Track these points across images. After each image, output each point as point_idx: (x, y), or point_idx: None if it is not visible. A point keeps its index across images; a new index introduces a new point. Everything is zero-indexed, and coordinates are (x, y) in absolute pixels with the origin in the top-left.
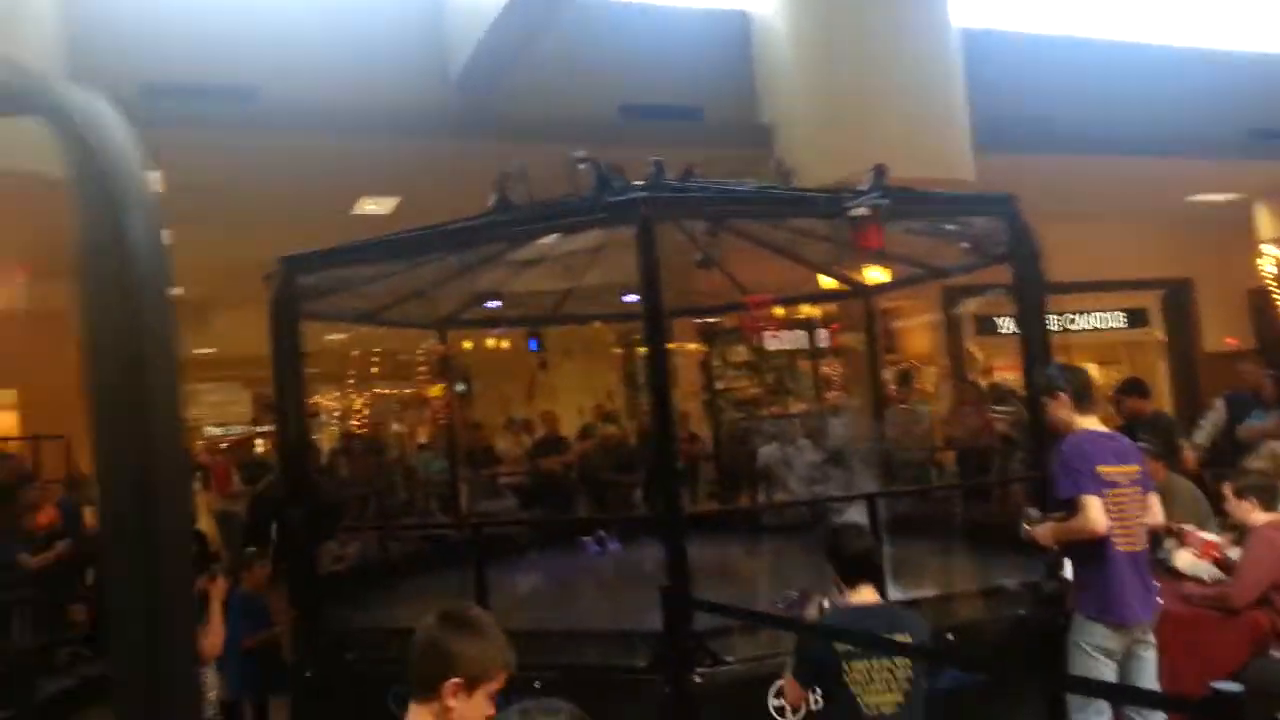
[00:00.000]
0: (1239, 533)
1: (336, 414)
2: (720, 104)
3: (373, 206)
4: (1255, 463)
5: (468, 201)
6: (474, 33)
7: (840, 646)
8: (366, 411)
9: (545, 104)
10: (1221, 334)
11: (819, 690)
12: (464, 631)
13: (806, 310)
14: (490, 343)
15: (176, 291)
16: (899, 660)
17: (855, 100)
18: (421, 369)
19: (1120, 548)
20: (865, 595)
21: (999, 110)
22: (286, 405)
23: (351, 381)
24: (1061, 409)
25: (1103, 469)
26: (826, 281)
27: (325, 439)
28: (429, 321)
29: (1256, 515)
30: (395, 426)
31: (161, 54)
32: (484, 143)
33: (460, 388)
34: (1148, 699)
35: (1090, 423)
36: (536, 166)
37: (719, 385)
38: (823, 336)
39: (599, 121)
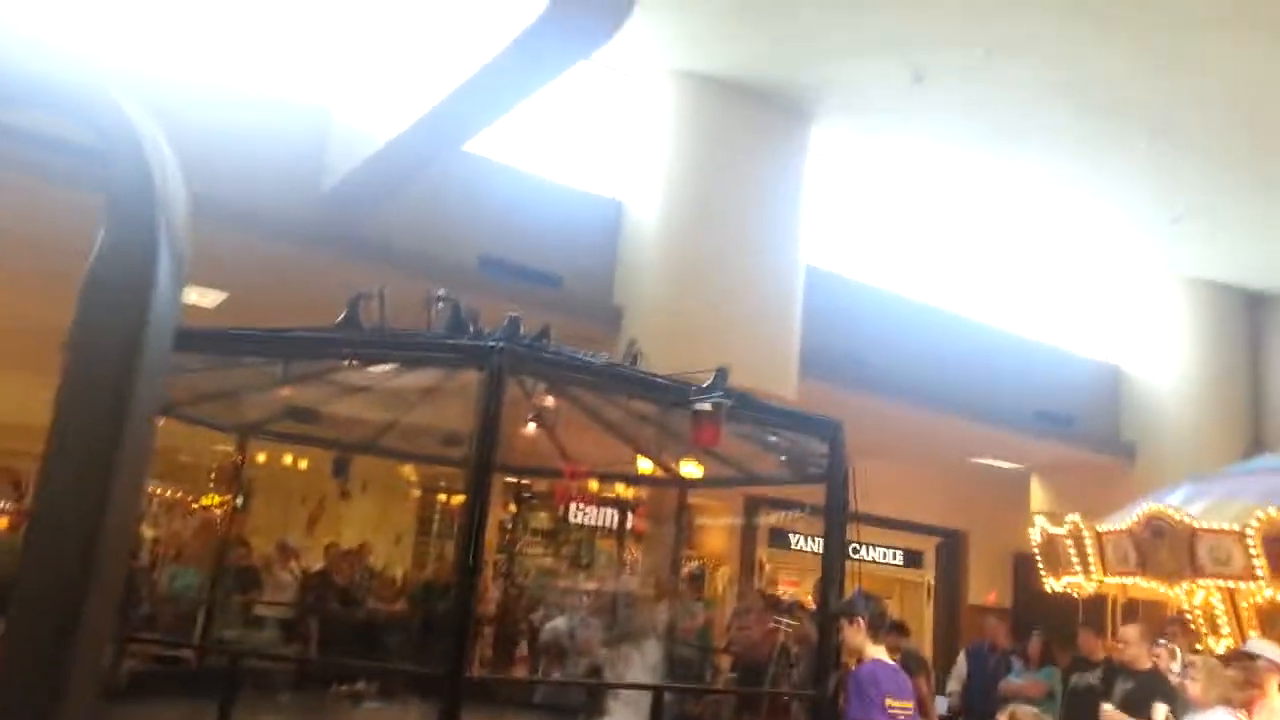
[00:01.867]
0: None
1: None
2: (579, 276)
3: (195, 296)
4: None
5: (296, 311)
6: (353, 158)
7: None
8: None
9: (408, 237)
10: (985, 588)
11: None
12: None
13: (619, 490)
14: (288, 459)
15: None
16: None
17: (704, 303)
18: (206, 474)
19: None
20: (880, 651)
21: (823, 342)
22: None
23: None
24: (857, 634)
25: (890, 702)
26: (643, 465)
27: None
28: (231, 425)
29: None
30: (150, 531)
31: None
32: (336, 259)
33: (238, 501)
34: None
35: (880, 652)
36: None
37: (515, 548)
38: (627, 519)
39: (458, 266)
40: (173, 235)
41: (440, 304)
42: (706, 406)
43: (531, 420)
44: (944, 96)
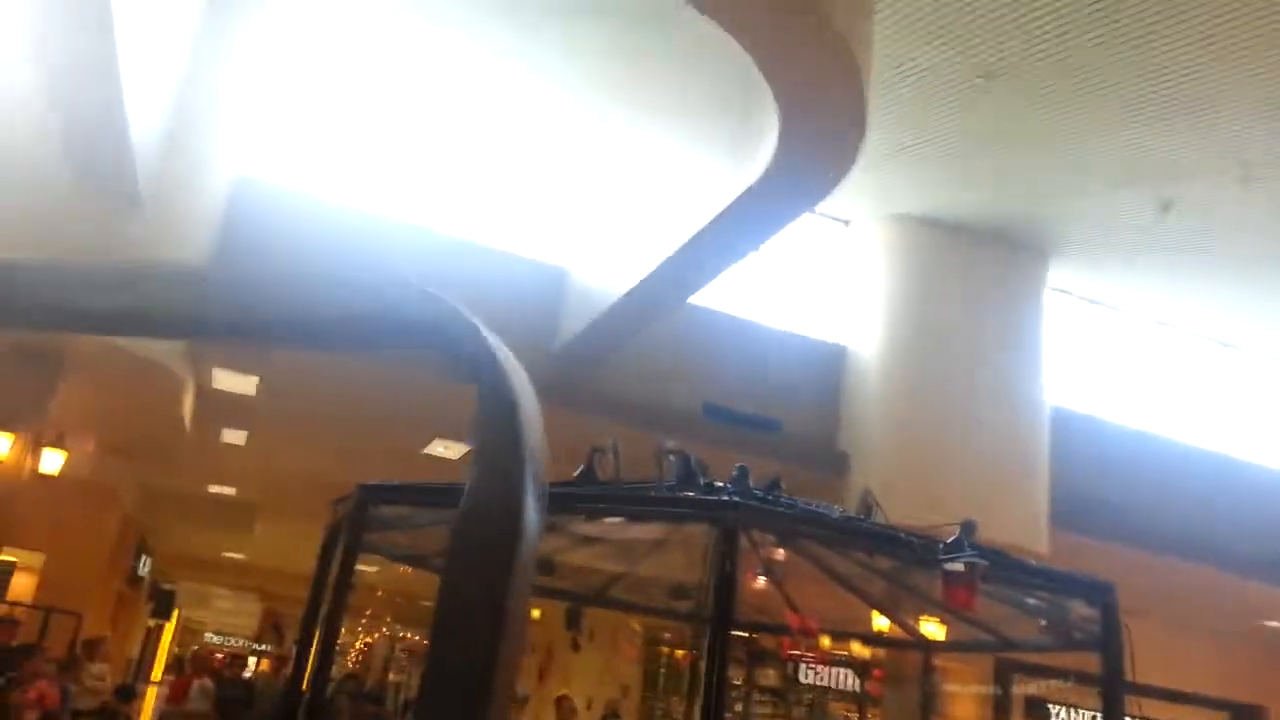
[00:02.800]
0: None
1: (344, 650)
2: (802, 421)
3: (442, 449)
4: None
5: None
6: (587, 314)
7: None
8: (369, 650)
9: (635, 387)
10: None
11: None
12: None
13: (854, 649)
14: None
15: (229, 491)
16: None
17: (937, 447)
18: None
19: None
20: None
21: (1076, 490)
22: (326, 642)
23: (365, 618)
24: None
25: None
26: (879, 622)
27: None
28: None
29: None
30: (390, 674)
31: None
32: (566, 411)
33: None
34: None
35: None
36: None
37: (738, 708)
38: (863, 681)
39: (683, 414)
40: (535, 464)
41: (671, 456)
42: (959, 566)
43: (761, 575)
44: (1194, 224)
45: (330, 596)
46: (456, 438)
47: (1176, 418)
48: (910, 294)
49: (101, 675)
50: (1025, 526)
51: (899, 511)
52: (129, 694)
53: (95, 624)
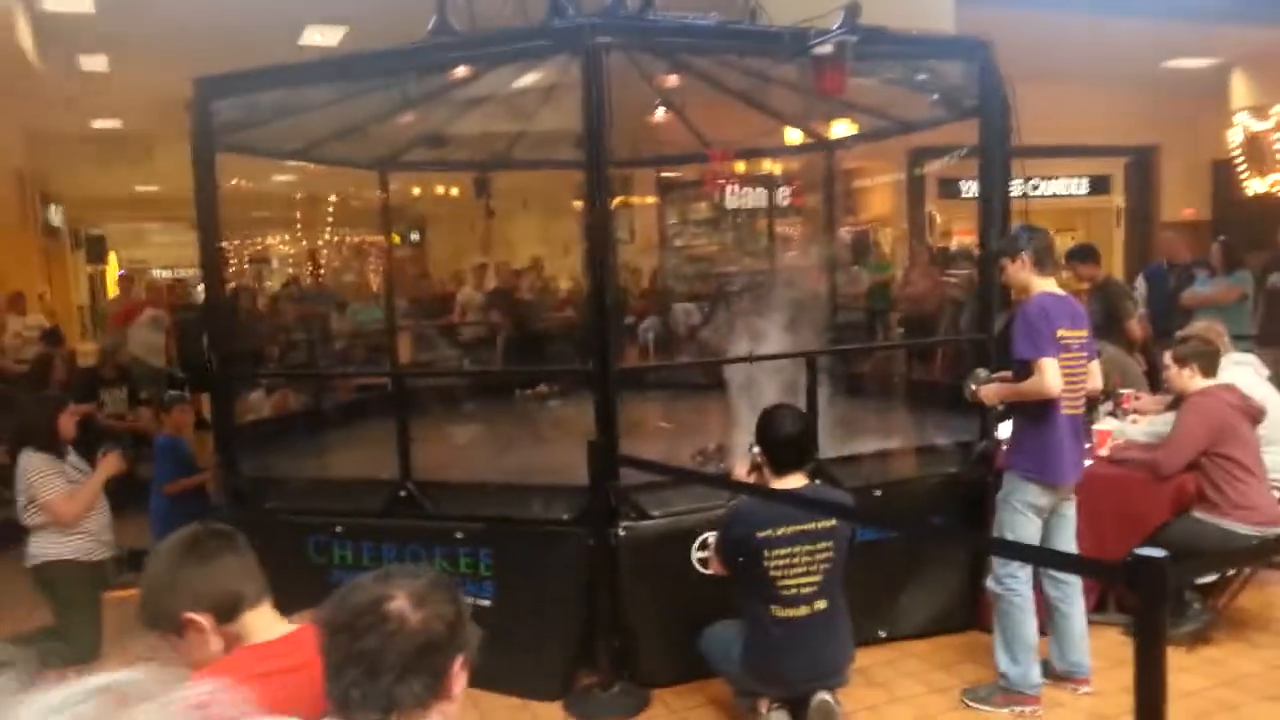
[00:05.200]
0: (1175, 401)
1: (286, 260)
2: None
3: (319, 36)
4: (1197, 331)
5: (421, 33)
6: None
7: (762, 533)
8: (313, 258)
9: None
10: (1181, 204)
11: (743, 567)
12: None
13: (769, 166)
14: (440, 189)
15: (115, 124)
16: (819, 544)
17: None
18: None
19: (1065, 411)
20: (792, 481)
21: None
22: (207, 248)
23: (299, 227)
24: (1021, 271)
25: (1061, 332)
26: (791, 136)
27: (262, 285)
28: (366, 161)
29: (1196, 382)
30: (334, 275)
31: None
32: None
33: (414, 237)
34: (1070, 564)
35: (1049, 285)
36: None
37: (678, 242)
38: (783, 194)
39: None
40: None
41: None
42: (827, 48)
43: (661, 104)
44: None
45: (201, 205)
46: (329, 20)
47: None
48: None
49: (34, 327)
50: (927, 7)
51: (794, 11)
52: (55, 338)
53: (19, 280)
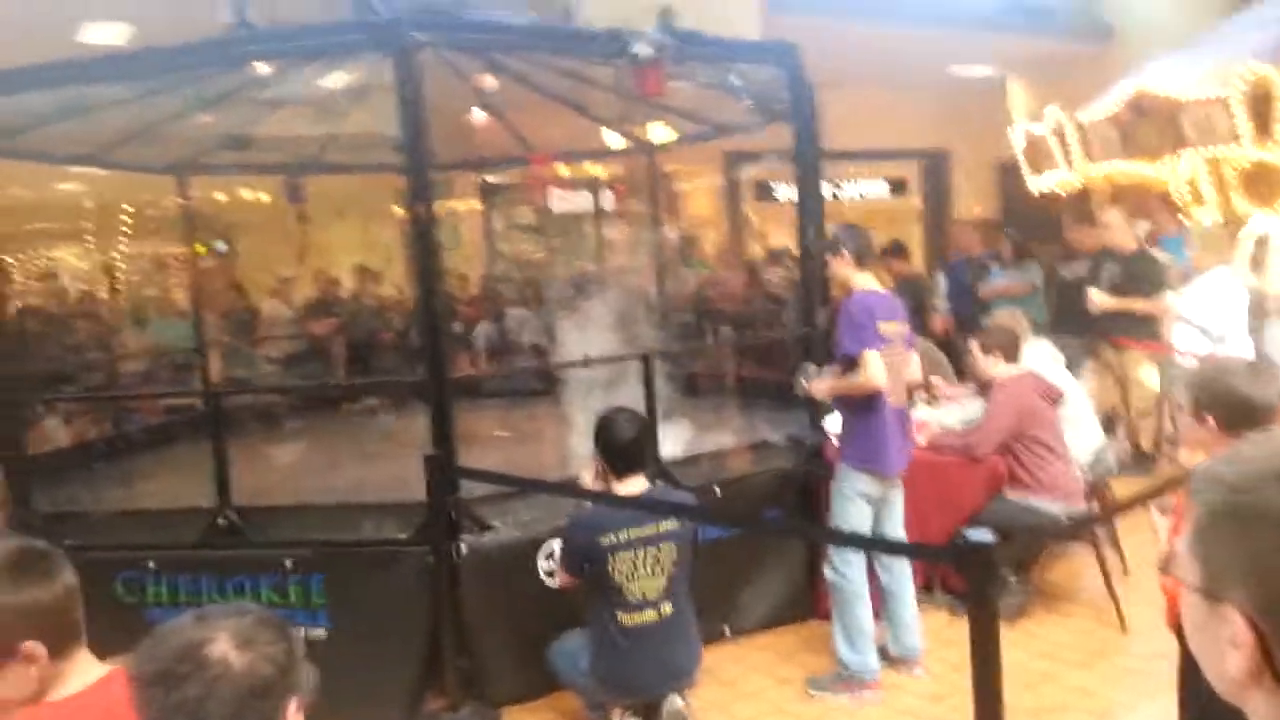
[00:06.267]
0: (981, 387)
1: (79, 275)
2: None
3: (100, 35)
4: (999, 320)
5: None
6: None
7: (604, 540)
8: (109, 272)
9: None
10: (972, 204)
11: (586, 572)
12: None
13: (592, 170)
14: (247, 195)
15: None
16: (663, 546)
17: None
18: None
19: (889, 402)
20: (633, 484)
21: None
22: None
23: (90, 238)
24: (844, 267)
25: (883, 326)
26: (611, 140)
27: (53, 302)
28: (161, 166)
29: (1000, 369)
30: (133, 289)
31: None
32: None
33: (220, 247)
34: (903, 550)
35: (868, 280)
36: None
37: (502, 247)
38: (607, 198)
39: None
40: None
41: None
42: (645, 50)
43: (479, 107)
44: None
45: None
46: (111, 16)
47: None
48: None
49: None
50: (734, 15)
51: (603, 14)
52: None
53: None
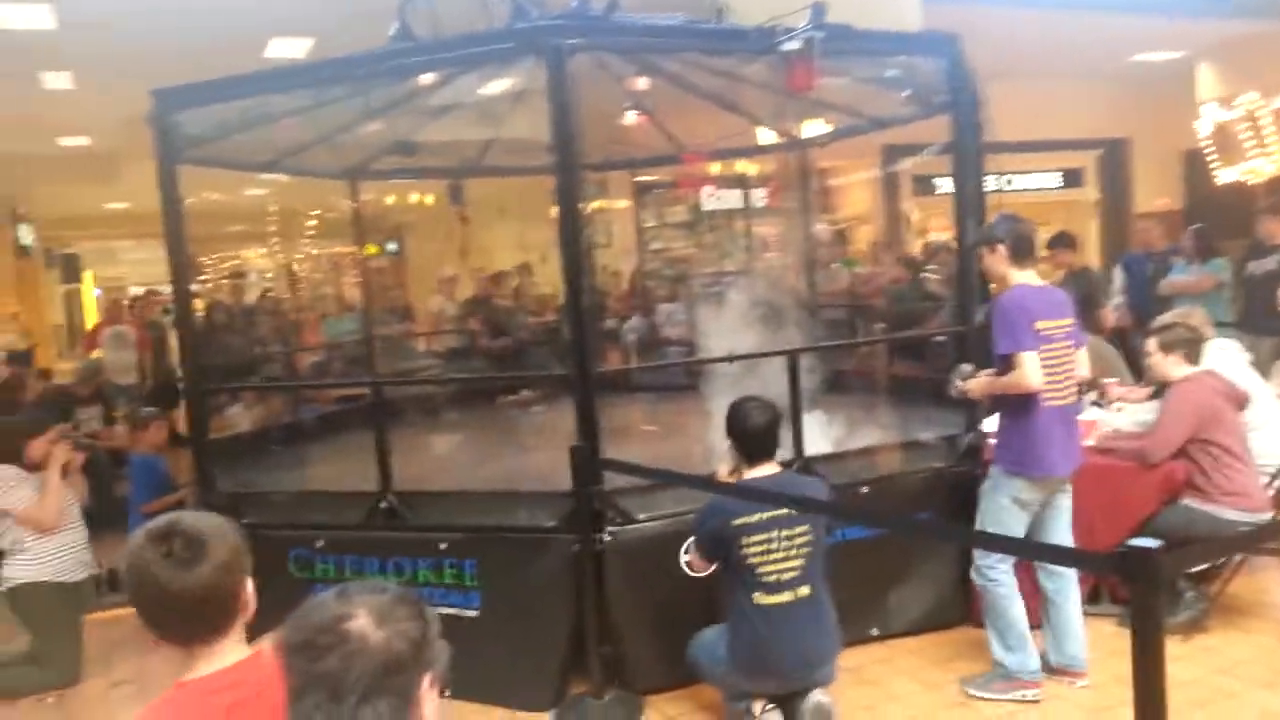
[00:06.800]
0: (1158, 389)
1: (265, 273)
2: None
3: (285, 48)
4: (1177, 318)
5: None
6: None
7: (737, 521)
8: (290, 271)
9: None
10: (1155, 194)
11: (723, 558)
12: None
13: (744, 167)
14: (414, 199)
15: (83, 142)
16: (797, 528)
17: None
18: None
19: (1050, 402)
20: (764, 470)
21: None
22: (174, 261)
23: (275, 240)
24: (999, 262)
25: (1040, 324)
26: (764, 137)
27: (235, 299)
28: (336, 171)
29: (1180, 369)
30: (311, 288)
31: None
32: None
33: (391, 247)
34: (1060, 556)
35: (1027, 277)
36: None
37: (654, 245)
38: (759, 195)
39: None
40: None
41: None
42: (795, 45)
43: (632, 108)
44: None
45: (167, 219)
46: (296, 31)
47: None
48: None
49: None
50: (894, 6)
51: (761, 12)
52: (24, 358)
53: None
